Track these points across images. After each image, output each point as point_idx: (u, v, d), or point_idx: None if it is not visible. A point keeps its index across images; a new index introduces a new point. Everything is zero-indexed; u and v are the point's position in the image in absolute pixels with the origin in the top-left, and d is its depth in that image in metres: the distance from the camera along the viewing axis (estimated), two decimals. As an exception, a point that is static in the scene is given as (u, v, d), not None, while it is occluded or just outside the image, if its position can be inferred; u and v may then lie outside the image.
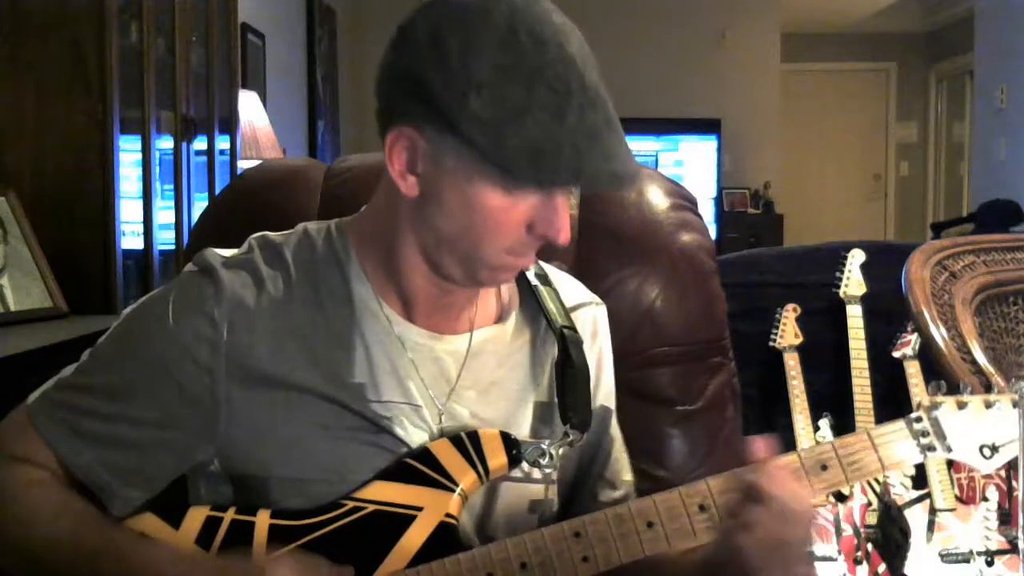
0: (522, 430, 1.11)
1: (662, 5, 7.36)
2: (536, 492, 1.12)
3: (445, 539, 1.02)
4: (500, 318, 1.14)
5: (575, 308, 1.18)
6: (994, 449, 1.05)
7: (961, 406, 1.05)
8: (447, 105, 0.94)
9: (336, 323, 1.05)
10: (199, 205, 3.20)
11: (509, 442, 1.06)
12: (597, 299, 1.23)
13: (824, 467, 1.03)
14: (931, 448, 1.05)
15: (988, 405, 1.05)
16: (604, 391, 1.20)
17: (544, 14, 0.97)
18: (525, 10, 0.96)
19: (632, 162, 0.99)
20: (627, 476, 1.23)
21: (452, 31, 0.95)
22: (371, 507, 1.02)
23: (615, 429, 1.23)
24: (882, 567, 2.35)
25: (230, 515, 1.03)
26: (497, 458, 1.05)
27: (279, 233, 1.12)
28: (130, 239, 2.73)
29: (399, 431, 1.05)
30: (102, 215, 2.58)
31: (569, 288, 1.20)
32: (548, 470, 1.10)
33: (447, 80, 0.94)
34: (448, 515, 1.03)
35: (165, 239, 2.99)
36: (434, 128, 0.96)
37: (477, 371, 1.10)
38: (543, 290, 1.16)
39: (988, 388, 1.08)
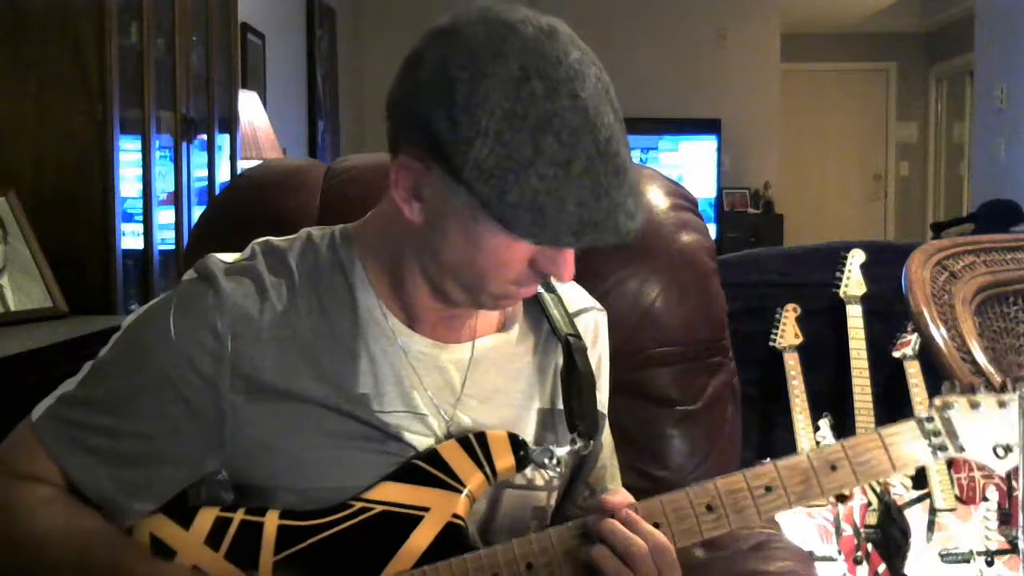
0: (526, 437, 1.10)
1: (662, 5, 7.36)
2: (539, 499, 1.12)
3: (452, 540, 1.02)
4: (503, 326, 1.14)
5: (578, 314, 1.18)
6: (1008, 449, 1.03)
7: (974, 405, 1.04)
8: (450, 149, 0.91)
9: (340, 332, 1.05)
10: (199, 205, 3.20)
11: (516, 443, 1.06)
12: (598, 304, 1.22)
13: (834, 467, 1.03)
14: (943, 448, 1.04)
15: (1001, 404, 1.04)
16: (601, 397, 1.20)
17: (560, 52, 0.93)
18: (539, 49, 0.92)
19: (638, 215, 0.96)
20: (612, 484, 1.23)
21: (461, 70, 0.91)
22: (379, 508, 1.02)
23: (606, 435, 1.23)
24: (882, 567, 2.35)
25: (239, 516, 1.03)
26: (504, 459, 1.05)
27: (283, 238, 1.10)
28: (130, 239, 2.73)
29: (406, 437, 1.04)
30: (102, 215, 2.58)
31: (571, 293, 1.20)
32: (552, 474, 1.10)
33: (452, 123, 0.91)
34: (455, 516, 1.03)
35: (165, 239, 2.99)
36: (438, 167, 0.94)
37: (480, 379, 1.10)
38: (548, 297, 1.15)
39: (1000, 389, 1.07)
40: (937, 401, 1.05)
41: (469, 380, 1.09)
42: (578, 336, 1.14)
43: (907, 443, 1.04)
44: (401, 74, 0.97)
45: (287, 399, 1.02)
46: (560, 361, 1.14)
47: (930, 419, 1.04)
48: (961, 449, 1.04)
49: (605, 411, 1.21)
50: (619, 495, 1.03)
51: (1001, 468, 1.04)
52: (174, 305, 1.03)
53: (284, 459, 1.02)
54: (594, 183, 0.91)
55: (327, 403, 1.02)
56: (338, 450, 1.02)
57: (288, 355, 1.02)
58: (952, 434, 1.04)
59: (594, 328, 1.19)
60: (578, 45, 0.95)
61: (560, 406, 1.13)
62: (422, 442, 1.05)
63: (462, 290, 1.02)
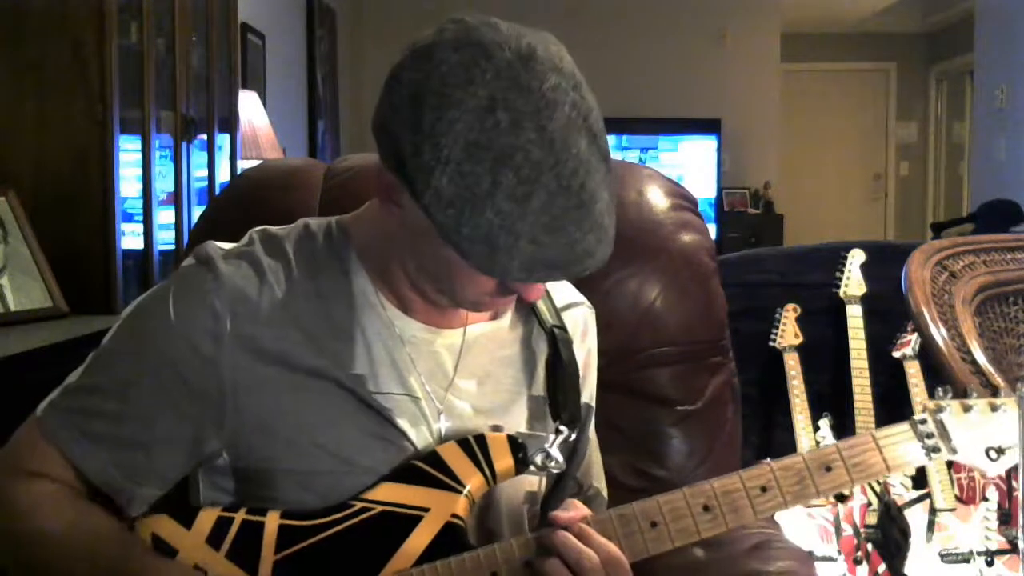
0: (519, 422, 1.13)
1: (662, 5, 7.36)
2: (532, 483, 1.14)
3: (451, 540, 1.03)
4: (496, 314, 1.15)
5: (565, 308, 1.20)
6: (1000, 451, 1.04)
7: (966, 409, 1.05)
8: (414, 173, 0.92)
9: (336, 315, 1.06)
10: (199, 205, 3.20)
11: (516, 446, 1.07)
12: (587, 302, 1.24)
13: (828, 468, 1.04)
14: (936, 450, 1.05)
15: (994, 408, 1.05)
16: (588, 391, 1.22)
17: (534, 79, 0.91)
18: (511, 77, 0.91)
19: (599, 251, 0.95)
20: (596, 481, 1.25)
21: (431, 95, 0.91)
22: (379, 508, 1.03)
23: (592, 432, 1.24)
24: (882, 567, 2.35)
25: (240, 516, 1.04)
26: (504, 461, 1.06)
27: (280, 227, 1.13)
28: (130, 239, 2.73)
29: (400, 422, 1.06)
30: (102, 215, 2.58)
31: (559, 288, 1.22)
32: (555, 471, 1.11)
33: (417, 147, 0.91)
34: (455, 516, 1.04)
35: (165, 239, 2.98)
36: (406, 188, 0.95)
37: (471, 364, 1.12)
38: None
39: (993, 392, 1.08)
40: (930, 404, 1.06)
41: (461, 364, 1.11)
42: (564, 328, 1.17)
43: (901, 444, 1.05)
44: (382, 93, 0.98)
45: (286, 376, 1.03)
46: (548, 351, 1.16)
47: (924, 421, 1.06)
48: (954, 451, 1.05)
49: (592, 403, 1.23)
50: (573, 509, 1.04)
51: (993, 471, 1.05)
52: (173, 288, 1.05)
53: (283, 438, 1.03)
54: (552, 219, 0.91)
55: (326, 376, 1.04)
56: (336, 428, 1.04)
57: (287, 333, 1.04)
58: (945, 436, 1.05)
59: (583, 323, 1.22)
60: (559, 68, 0.93)
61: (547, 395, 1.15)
62: (415, 426, 1.06)
63: (439, 293, 1.05)
